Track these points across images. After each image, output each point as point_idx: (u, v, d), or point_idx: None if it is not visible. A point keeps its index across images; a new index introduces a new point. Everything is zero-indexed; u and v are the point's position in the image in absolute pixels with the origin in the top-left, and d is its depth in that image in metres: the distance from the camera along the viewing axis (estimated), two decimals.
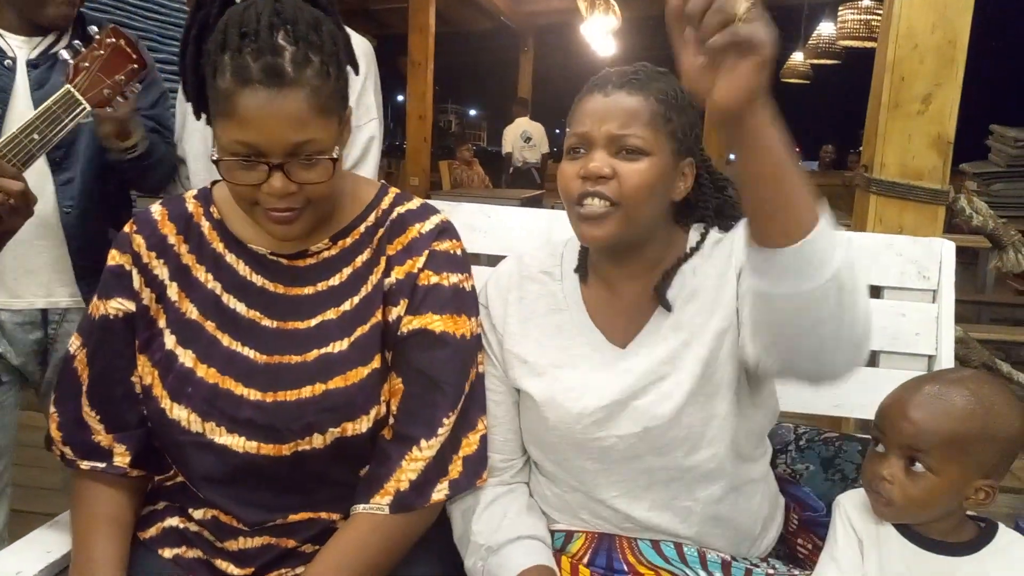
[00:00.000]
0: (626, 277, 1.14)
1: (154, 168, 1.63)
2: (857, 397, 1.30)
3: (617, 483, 1.12)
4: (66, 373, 1.11)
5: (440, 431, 1.06)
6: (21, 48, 1.57)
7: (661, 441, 1.08)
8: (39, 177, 1.55)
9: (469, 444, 1.11)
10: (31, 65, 1.56)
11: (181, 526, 1.12)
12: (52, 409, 1.11)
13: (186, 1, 3.65)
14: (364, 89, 1.64)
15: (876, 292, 1.38)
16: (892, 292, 1.36)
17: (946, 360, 1.31)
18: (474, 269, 1.20)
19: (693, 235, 1.16)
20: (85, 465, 1.10)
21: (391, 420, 1.08)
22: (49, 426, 1.12)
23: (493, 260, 1.45)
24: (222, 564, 1.08)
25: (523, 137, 9.17)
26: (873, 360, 1.37)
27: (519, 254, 1.27)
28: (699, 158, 1.13)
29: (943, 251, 1.34)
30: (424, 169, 7.52)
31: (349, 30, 1.73)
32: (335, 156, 0.99)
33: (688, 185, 1.11)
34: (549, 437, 1.14)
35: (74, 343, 1.12)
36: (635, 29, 10.08)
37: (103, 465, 1.09)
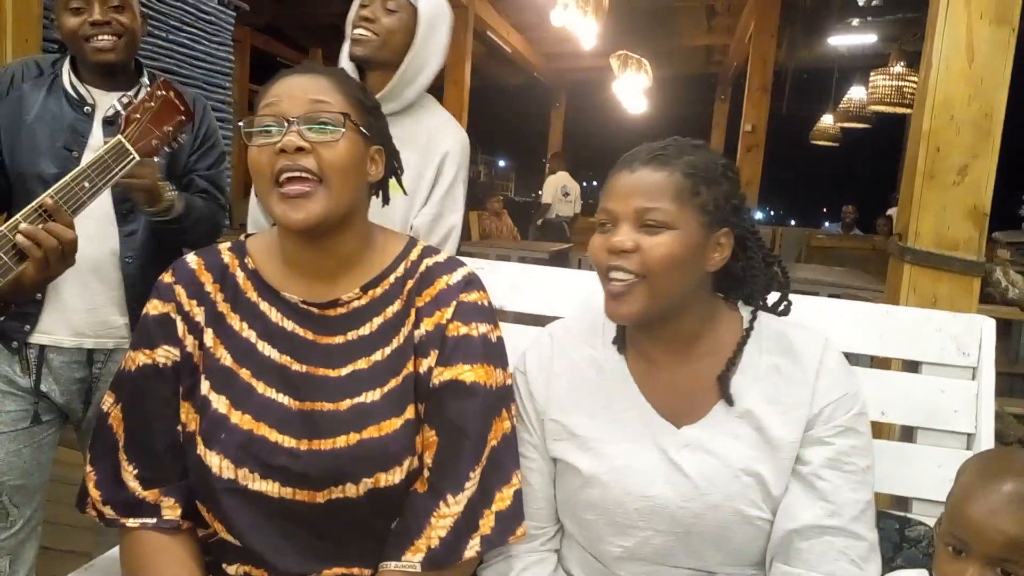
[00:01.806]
0: (665, 351, 1.14)
1: (191, 229, 1.69)
2: (894, 472, 1.28)
3: (644, 573, 1.11)
4: (101, 431, 1.12)
5: (467, 485, 1.06)
6: (100, 100, 1.68)
7: (699, 545, 1.08)
8: (104, 225, 1.64)
9: (503, 499, 1.10)
10: (107, 122, 1.65)
11: None
12: (88, 468, 1.12)
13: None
14: (455, 182, 1.74)
15: (914, 367, 1.36)
16: (931, 368, 1.35)
17: (986, 439, 1.29)
18: (509, 328, 1.21)
19: (744, 314, 1.15)
20: (132, 523, 1.08)
21: (426, 473, 1.08)
22: (86, 485, 1.11)
23: (530, 319, 1.46)
24: None
25: (562, 191, 9.28)
26: (910, 436, 1.35)
27: (558, 322, 1.26)
28: (743, 229, 1.12)
29: (983, 328, 1.33)
30: None
31: (450, 118, 1.83)
32: (345, 119, 1.07)
33: (725, 255, 1.10)
34: (587, 514, 1.13)
35: (107, 401, 1.13)
36: (667, 88, 10.23)
37: (153, 520, 1.08)
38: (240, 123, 1.07)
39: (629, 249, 1.04)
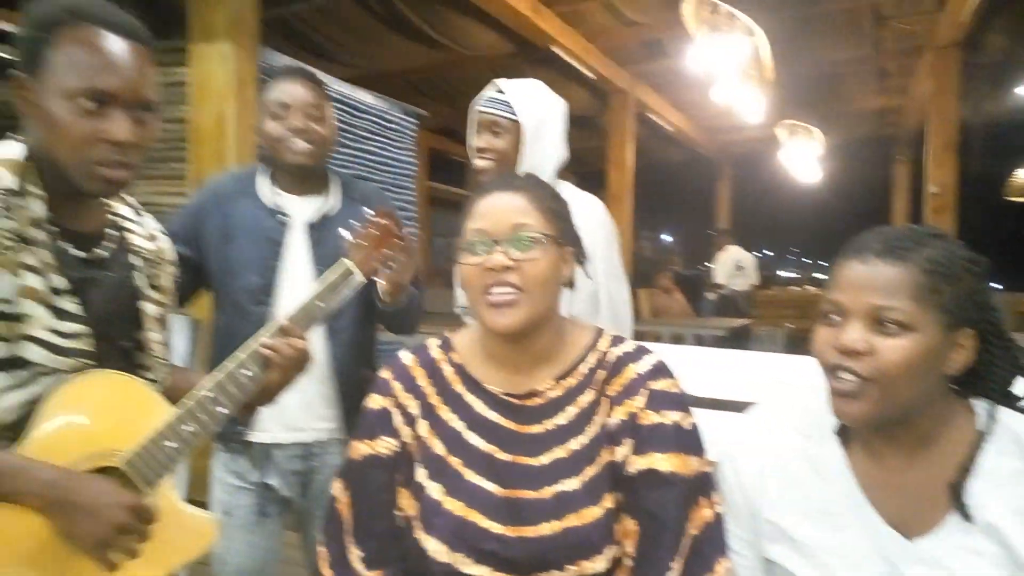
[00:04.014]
0: (896, 451, 1.06)
1: (410, 317, 1.86)
2: None
3: None
4: (331, 514, 1.24)
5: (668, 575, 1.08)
6: (296, 207, 1.85)
7: None
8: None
9: None
10: (311, 227, 1.83)
11: None
12: (321, 548, 1.23)
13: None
14: (595, 258, 1.77)
15: None
16: None
17: None
18: (705, 413, 1.22)
19: (979, 414, 1.05)
20: None
21: (628, 562, 1.11)
22: (320, 564, 1.22)
23: (713, 403, 1.46)
24: None
25: (736, 266, 9.10)
26: None
27: (766, 407, 1.22)
28: (986, 325, 1.03)
29: None
30: None
31: (583, 197, 1.94)
32: (544, 237, 1.17)
33: (967, 357, 1.02)
34: None
35: (336, 487, 1.25)
36: (839, 153, 9.88)
37: None
38: (456, 241, 1.21)
39: (861, 351, 0.98)
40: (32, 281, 1.11)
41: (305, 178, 1.87)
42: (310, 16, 5.07)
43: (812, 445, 1.12)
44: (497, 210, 1.18)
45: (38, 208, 1.14)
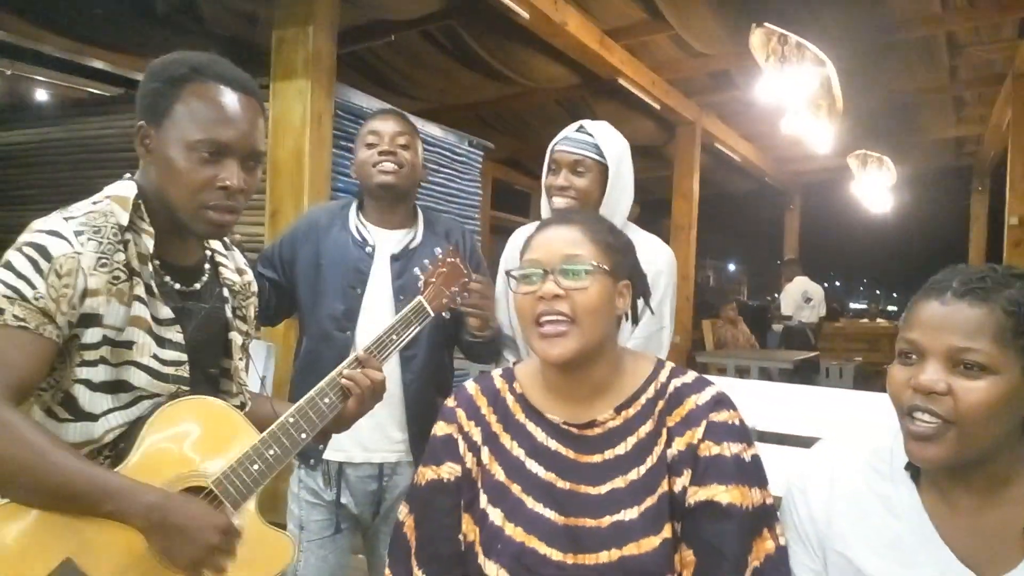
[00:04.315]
0: (969, 493, 1.04)
1: (495, 346, 1.94)
2: None
3: None
4: (396, 538, 1.29)
5: None
6: (382, 239, 1.96)
7: None
8: None
9: None
10: (394, 258, 1.94)
11: None
12: (388, 572, 1.28)
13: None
14: (663, 299, 1.84)
15: None
16: None
17: None
18: (773, 448, 1.22)
19: None
20: None
21: None
22: None
23: (777, 438, 1.46)
24: None
25: (804, 297, 8.93)
26: None
27: (836, 443, 1.21)
28: None
29: None
30: (686, 328, 7.57)
31: (653, 239, 1.99)
32: (595, 267, 1.19)
33: None
34: None
35: (402, 510, 1.30)
36: (913, 183, 9.64)
37: None
38: (508, 271, 1.26)
39: (940, 392, 0.97)
40: (140, 311, 1.21)
41: (392, 208, 1.99)
42: (383, 52, 5.24)
43: (883, 482, 1.11)
44: (550, 241, 1.23)
45: (147, 243, 1.24)
